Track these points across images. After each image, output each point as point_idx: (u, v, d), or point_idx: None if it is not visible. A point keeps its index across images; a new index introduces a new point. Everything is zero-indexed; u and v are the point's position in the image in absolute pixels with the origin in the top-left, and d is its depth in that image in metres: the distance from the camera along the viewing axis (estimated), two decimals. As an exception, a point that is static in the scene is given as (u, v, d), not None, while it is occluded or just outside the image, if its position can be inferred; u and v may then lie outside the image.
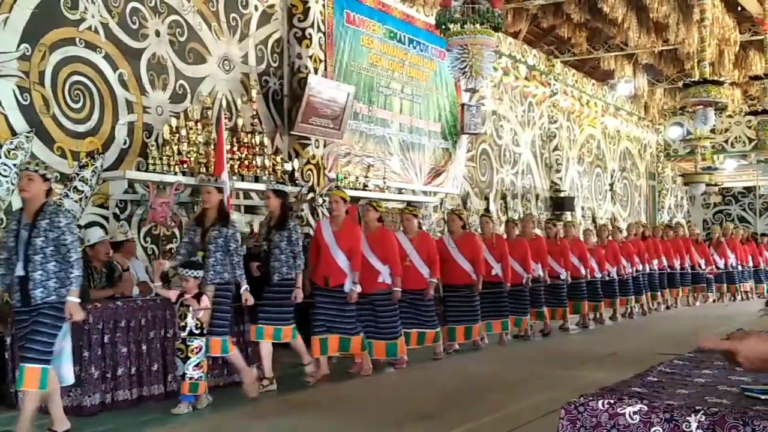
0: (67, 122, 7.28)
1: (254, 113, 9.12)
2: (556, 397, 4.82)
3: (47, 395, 5.03)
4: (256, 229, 7.96)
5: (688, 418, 1.96)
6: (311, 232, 8.65)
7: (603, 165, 19.69)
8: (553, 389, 6.44)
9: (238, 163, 8.56)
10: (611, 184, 20.11)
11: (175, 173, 7.79)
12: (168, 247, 8.11)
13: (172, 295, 6.17)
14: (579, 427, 2.11)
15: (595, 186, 19.20)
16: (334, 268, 7.27)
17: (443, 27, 8.11)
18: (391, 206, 11.14)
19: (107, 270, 6.92)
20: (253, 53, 9.51)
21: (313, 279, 7.34)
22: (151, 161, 7.67)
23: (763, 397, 2.13)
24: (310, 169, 9.88)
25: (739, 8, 14.69)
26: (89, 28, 7.53)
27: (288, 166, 9.31)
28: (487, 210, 13.99)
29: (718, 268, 16.36)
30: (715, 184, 21.55)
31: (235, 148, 8.57)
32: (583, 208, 18.29)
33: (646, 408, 2.03)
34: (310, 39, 9.93)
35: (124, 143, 7.82)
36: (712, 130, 19.75)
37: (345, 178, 10.43)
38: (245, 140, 8.76)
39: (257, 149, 8.83)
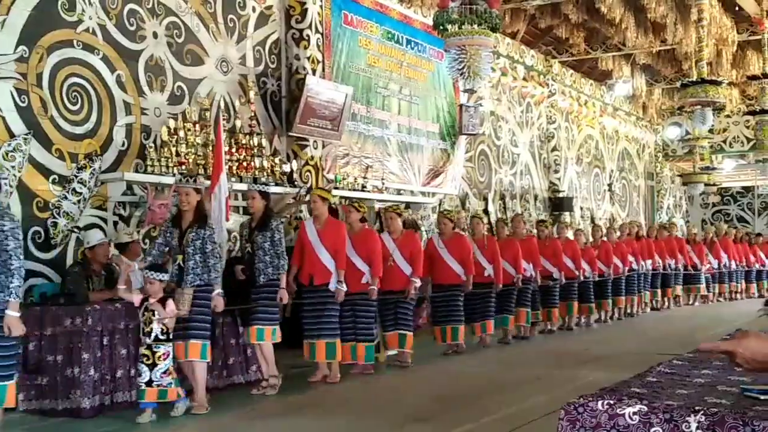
0: (65, 124, 7.27)
1: (252, 114, 9.11)
2: (556, 398, 4.83)
3: None
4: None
5: (687, 418, 1.96)
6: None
7: (601, 165, 19.70)
8: (552, 390, 6.45)
9: (237, 164, 8.55)
10: (610, 185, 20.12)
11: (174, 175, 7.77)
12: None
13: (136, 299, 5.89)
14: (579, 428, 2.11)
15: (594, 186, 19.21)
16: (319, 266, 7.25)
17: (441, 28, 8.11)
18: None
19: (106, 272, 6.92)
20: (251, 54, 9.51)
21: (300, 279, 7.31)
22: (149, 163, 7.66)
23: (762, 397, 2.13)
24: (309, 170, 9.88)
25: (737, 8, 14.70)
26: (87, 29, 7.52)
27: (286, 168, 9.30)
28: (485, 211, 14.00)
29: (713, 268, 16.40)
30: (714, 184, 21.59)
31: (234, 150, 8.57)
32: (581, 209, 18.30)
33: (645, 408, 2.03)
34: (308, 40, 9.93)
35: (123, 145, 7.81)
36: (711, 130, 19.74)
37: (343, 179, 10.43)
38: (243, 141, 8.75)
39: (255, 150, 8.83)
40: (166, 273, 5.94)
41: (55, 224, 7.06)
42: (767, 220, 23.69)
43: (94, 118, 7.55)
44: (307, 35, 9.92)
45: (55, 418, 5.83)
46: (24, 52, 6.92)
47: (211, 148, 8.13)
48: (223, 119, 8.62)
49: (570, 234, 12.56)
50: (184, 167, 7.88)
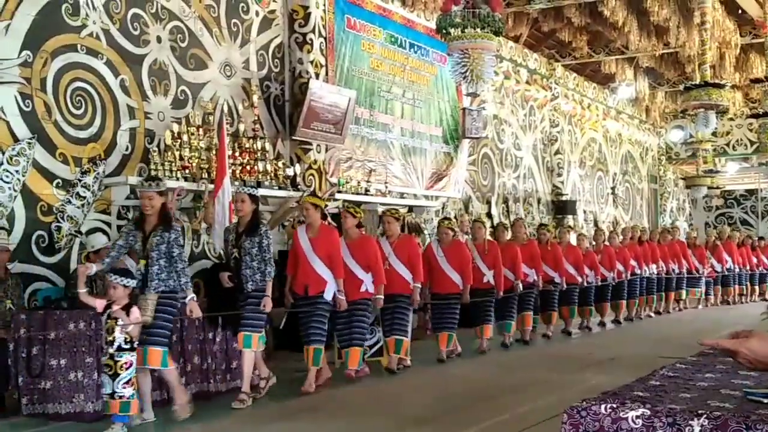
0: (69, 128, 7.29)
1: (256, 118, 9.13)
2: (558, 401, 4.82)
3: None
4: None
5: (690, 422, 1.96)
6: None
7: (605, 168, 19.69)
8: (554, 393, 6.43)
9: (240, 168, 8.56)
10: (613, 188, 20.11)
11: (177, 179, 7.79)
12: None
13: (99, 304, 5.51)
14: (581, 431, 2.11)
15: (597, 189, 19.20)
16: (313, 276, 7.07)
17: (444, 31, 8.12)
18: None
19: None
20: (254, 59, 9.53)
21: (294, 289, 7.17)
22: (153, 167, 7.67)
23: (765, 400, 2.13)
24: (312, 174, 9.89)
25: (740, 11, 14.70)
26: (91, 34, 7.55)
27: (290, 171, 9.31)
28: (488, 214, 14.00)
29: (715, 271, 16.36)
30: (717, 187, 21.56)
31: (237, 154, 8.58)
32: (585, 212, 18.29)
33: (648, 412, 2.03)
34: (311, 44, 9.94)
35: (126, 149, 7.83)
36: (714, 133, 19.72)
37: (347, 182, 10.44)
38: (247, 145, 8.76)
39: (259, 154, 8.84)
40: (132, 278, 5.63)
41: (59, 228, 7.07)
42: (770, 223, 23.68)
43: (97, 122, 7.57)
44: (311, 39, 9.94)
45: (59, 422, 5.83)
46: (28, 56, 6.94)
47: (214, 152, 8.15)
48: (227, 123, 8.63)
49: (573, 238, 12.52)
50: (187, 171, 7.91)
